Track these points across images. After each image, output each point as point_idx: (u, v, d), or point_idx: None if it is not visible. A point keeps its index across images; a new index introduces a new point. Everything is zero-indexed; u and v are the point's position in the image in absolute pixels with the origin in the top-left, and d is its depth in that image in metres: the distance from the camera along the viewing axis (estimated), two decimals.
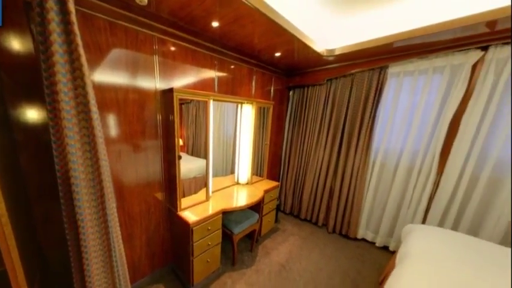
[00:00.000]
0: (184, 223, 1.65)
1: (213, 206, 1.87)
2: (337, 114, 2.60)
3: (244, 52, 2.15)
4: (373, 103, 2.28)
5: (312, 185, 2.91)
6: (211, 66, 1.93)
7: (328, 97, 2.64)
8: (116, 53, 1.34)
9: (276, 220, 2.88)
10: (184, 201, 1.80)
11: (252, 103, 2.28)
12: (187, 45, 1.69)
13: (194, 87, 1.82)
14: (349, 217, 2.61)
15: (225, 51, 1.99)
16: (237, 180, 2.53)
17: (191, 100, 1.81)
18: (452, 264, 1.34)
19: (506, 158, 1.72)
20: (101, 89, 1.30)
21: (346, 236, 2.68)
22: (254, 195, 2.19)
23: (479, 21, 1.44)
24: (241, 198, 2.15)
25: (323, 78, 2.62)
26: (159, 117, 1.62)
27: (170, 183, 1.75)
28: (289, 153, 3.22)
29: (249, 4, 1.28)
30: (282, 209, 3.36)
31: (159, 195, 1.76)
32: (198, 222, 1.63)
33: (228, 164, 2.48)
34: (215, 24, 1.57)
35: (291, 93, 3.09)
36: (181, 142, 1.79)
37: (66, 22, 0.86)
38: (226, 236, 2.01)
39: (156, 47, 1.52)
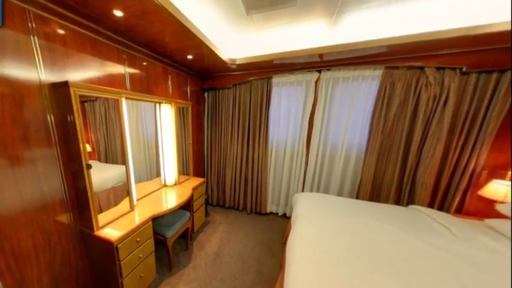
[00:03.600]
0: (105, 243, 1.30)
1: (141, 215, 1.58)
2: (243, 114, 2.85)
3: (156, 50, 1.93)
4: (266, 105, 2.65)
5: (231, 176, 3.07)
6: (120, 61, 1.60)
7: (235, 100, 2.84)
8: None
9: (206, 214, 2.83)
10: (103, 218, 1.41)
11: (170, 103, 2.10)
12: (82, 30, 1.30)
13: (99, 83, 1.43)
14: (260, 197, 2.95)
15: (134, 46, 1.70)
16: (164, 182, 2.25)
17: (96, 98, 1.42)
18: (323, 215, 1.72)
19: (336, 141, 2.47)
20: None
21: (260, 213, 3.01)
22: (183, 194, 2.05)
23: (315, 53, 1.97)
24: (171, 200, 1.95)
25: (230, 83, 2.80)
26: (50, 118, 1.15)
27: (79, 200, 1.30)
28: (210, 150, 3.22)
29: (155, 0, 1.17)
30: (209, 202, 3.32)
31: (64, 218, 1.26)
32: (124, 237, 1.34)
33: (152, 167, 2.13)
34: (118, 13, 1.32)
35: (205, 94, 3.09)
36: (89, 148, 1.36)
37: None
38: (160, 242, 1.77)
39: (33, 25, 1.06)
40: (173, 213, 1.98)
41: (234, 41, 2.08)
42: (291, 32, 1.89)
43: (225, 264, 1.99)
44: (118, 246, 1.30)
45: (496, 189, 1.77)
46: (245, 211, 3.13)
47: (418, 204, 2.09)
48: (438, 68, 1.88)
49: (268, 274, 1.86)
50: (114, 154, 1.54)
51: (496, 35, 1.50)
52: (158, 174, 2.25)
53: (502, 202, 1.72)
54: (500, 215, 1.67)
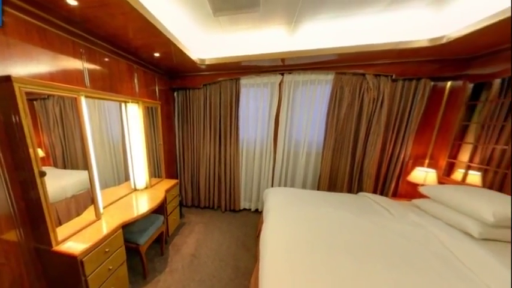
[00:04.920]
0: (67, 258, 1.13)
1: (109, 223, 1.43)
2: (214, 114, 2.80)
3: (119, 45, 1.74)
4: (235, 106, 2.66)
5: (205, 176, 3.00)
6: (76, 55, 1.39)
7: (206, 100, 2.78)
8: None
9: (181, 215, 2.69)
10: (63, 230, 1.22)
11: (138, 102, 1.92)
12: (27, 17, 1.09)
13: (51, 79, 1.22)
14: (234, 195, 2.96)
15: (93, 39, 1.50)
16: (134, 186, 2.05)
17: (49, 95, 1.21)
18: (290, 207, 1.79)
19: (299, 139, 2.64)
20: None
21: (234, 210, 3.03)
22: (156, 197, 1.91)
23: (277, 57, 2.06)
24: (142, 204, 1.80)
25: (200, 83, 2.71)
26: None
27: (32, 213, 1.09)
28: (182, 150, 3.06)
29: None
30: (184, 203, 3.16)
31: (12, 235, 1.04)
32: (89, 250, 1.19)
33: (120, 171, 1.91)
34: (72, 2, 1.16)
35: (175, 94, 2.91)
36: (41, 153, 1.15)
37: None
38: (132, 250, 1.63)
39: None
40: (145, 218, 1.84)
41: (202, 41, 2.03)
42: (256, 36, 1.96)
43: (203, 265, 1.94)
44: (83, 260, 1.15)
45: (418, 175, 2.14)
46: (220, 209, 3.09)
47: (365, 191, 2.40)
48: (376, 75, 2.23)
49: (244, 268, 1.89)
50: (73, 158, 1.33)
51: (413, 50, 1.86)
52: (127, 178, 2.04)
53: (422, 185, 1.98)
54: (422, 196, 1.86)
